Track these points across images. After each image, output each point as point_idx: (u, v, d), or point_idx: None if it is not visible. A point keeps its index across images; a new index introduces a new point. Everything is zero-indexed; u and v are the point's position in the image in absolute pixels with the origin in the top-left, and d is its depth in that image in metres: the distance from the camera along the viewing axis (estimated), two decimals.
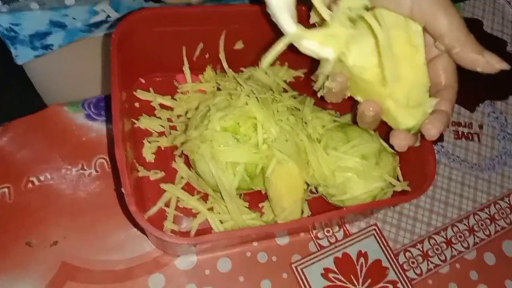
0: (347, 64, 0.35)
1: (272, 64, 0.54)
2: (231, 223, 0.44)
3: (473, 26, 0.69)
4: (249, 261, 0.46)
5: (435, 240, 0.51)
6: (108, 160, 0.47)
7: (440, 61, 0.37)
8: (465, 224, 0.53)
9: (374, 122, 0.38)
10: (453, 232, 0.52)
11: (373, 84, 0.35)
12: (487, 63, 0.34)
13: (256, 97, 0.44)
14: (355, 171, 0.43)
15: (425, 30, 0.35)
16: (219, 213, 0.45)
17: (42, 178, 0.45)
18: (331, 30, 0.34)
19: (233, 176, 0.43)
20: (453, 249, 0.51)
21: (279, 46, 0.35)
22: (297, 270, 0.46)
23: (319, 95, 0.39)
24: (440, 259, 0.50)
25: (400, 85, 0.35)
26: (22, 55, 0.56)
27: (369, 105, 0.36)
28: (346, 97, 0.38)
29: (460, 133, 0.59)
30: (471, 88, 0.60)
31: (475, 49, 0.34)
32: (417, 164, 0.45)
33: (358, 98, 0.37)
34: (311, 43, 0.34)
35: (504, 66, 0.33)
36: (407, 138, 0.36)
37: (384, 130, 0.41)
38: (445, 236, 0.52)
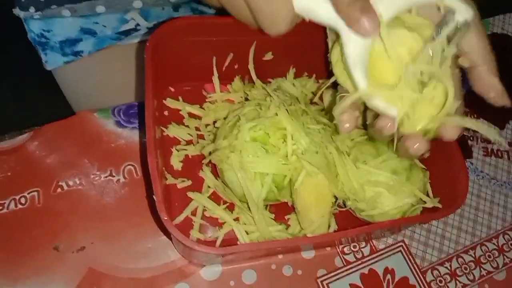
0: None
1: (300, 75, 0.54)
2: (257, 234, 0.44)
3: (503, 41, 0.68)
4: (274, 274, 0.45)
5: (463, 259, 0.50)
6: (136, 167, 0.47)
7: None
8: (494, 244, 0.52)
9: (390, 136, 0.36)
10: (482, 251, 0.51)
11: (398, 87, 0.34)
12: (501, 91, 0.34)
13: (286, 108, 0.44)
14: (386, 186, 0.42)
15: None
16: (245, 224, 0.44)
17: (71, 183, 0.46)
18: (398, 91, 0.33)
19: (261, 186, 0.42)
20: (481, 269, 0.50)
21: (349, 101, 0.34)
22: (322, 285, 0.45)
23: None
24: (468, 279, 0.49)
25: (430, 88, 0.34)
26: (52, 61, 0.57)
27: (386, 122, 0.34)
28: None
29: (489, 150, 0.58)
30: (501, 105, 0.59)
31: (496, 73, 0.34)
32: (447, 181, 0.45)
33: (374, 103, 0.35)
34: (378, 101, 0.34)
35: (508, 103, 0.34)
36: (423, 142, 0.34)
37: None
38: (473, 255, 0.51)
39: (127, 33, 0.58)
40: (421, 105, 0.34)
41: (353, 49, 0.33)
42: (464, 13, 0.33)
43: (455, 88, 0.34)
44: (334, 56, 0.36)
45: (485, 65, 0.34)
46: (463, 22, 0.33)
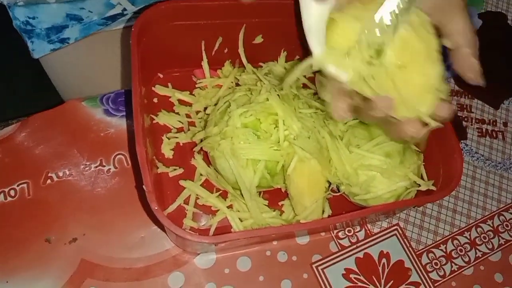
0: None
1: (292, 59, 0.53)
2: (251, 221, 0.43)
3: (497, 19, 0.67)
4: (269, 261, 0.45)
5: (459, 241, 0.50)
6: (126, 156, 0.46)
7: None
8: (489, 225, 0.52)
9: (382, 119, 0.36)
10: (477, 233, 0.51)
11: (387, 72, 0.34)
12: (479, 72, 0.35)
13: (277, 93, 0.43)
14: (379, 170, 0.42)
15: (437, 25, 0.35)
16: (239, 211, 0.44)
17: (61, 174, 0.45)
18: (350, 61, 0.34)
19: (254, 173, 0.42)
20: (477, 251, 0.50)
21: (302, 67, 0.35)
22: (317, 270, 0.45)
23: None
24: (464, 261, 0.49)
25: (417, 71, 0.34)
26: (38, 49, 0.56)
27: (382, 100, 0.34)
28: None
29: (484, 130, 0.58)
30: (495, 85, 0.59)
31: (476, 56, 0.36)
32: (442, 163, 0.44)
33: (366, 89, 0.35)
34: (331, 67, 0.35)
35: (482, 83, 0.35)
36: (419, 126, 0.35)
37: None
38: (469, 237, 0.50)
39: (113, 18, 0.56)
40: (402, 86, 0.34)
41: (309, 15, 0.34)
42: None
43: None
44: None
45: (468, 47, 0.35)
46: None
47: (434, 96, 0.34)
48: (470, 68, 0.36)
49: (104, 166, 0.46)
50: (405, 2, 0.33)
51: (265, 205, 0.45)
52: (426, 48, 0.34)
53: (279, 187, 0.45)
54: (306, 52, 0.41)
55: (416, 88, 0.34)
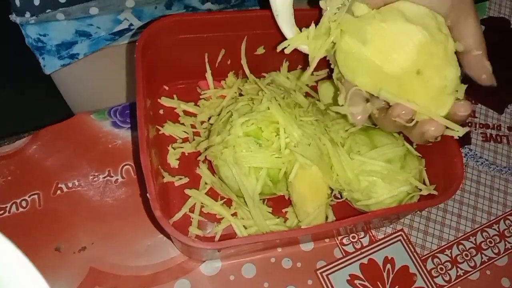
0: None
1: (294, 68, 0.54)
2: (255, 228, 0.44)
3: (500, 25, 0.68)
4: (274, 267, 0.45)
5: (464, 246, 0.50)
6: (133, 166, 0.48)
7: None
8: (495, 229, 0.52)
9: (402, 125, 0.37)
10: (483, 237, 0.51)
11: (405, 77, 0.36)
12: (491, 73, 0.36)
13: (278, 102, 0.44)
14: (380, 175, 0.42)
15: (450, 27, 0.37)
16: (243, 219, 0.45)
17: (70, 184, 0.46)
18: (314, 41, 0.40)
19: (256, 181, 0.43)
20: (483, 255, 0.50)
21: (289, 48, 0.42)
22: (322, 276, 0.46)
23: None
24: (469, 265, 0.49)
25: (434, 74, 0.36)
26: (49, 65, 0.58)
27: (402, 109, 0.36)
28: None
29: (488, 135, 0.58)
30: (500, 89, 0.59)
31: (487, 57, 0.36)
32: (443, 168, 0.44)
33: (385, 95, 0.37)
34: (304, 46, 0.40)
35: (494, 83, 0.37)
36: (440, 125, 0.36)
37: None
38: (474, 242, 0.50)
39: (121, 33, 0.58)
40: (420, 90, 0.36)
41: None
42: None
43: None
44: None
45: (480, 50, 0.36)
46: None
47: (453, 97, 0.35)
48: (483, 69, 0.36)
49: (112, 176, 0.47)
50: None
51: (269, 212, 0.46)
52: (443, 50, 0.35)
53: (282, 194, 0.46)
54: (307, 60, 0.43)
55: (434, 91, 0.36)
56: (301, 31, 0.42)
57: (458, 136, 0.37)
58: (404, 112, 0.35)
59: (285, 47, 0.42)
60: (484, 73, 0.36)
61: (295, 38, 0.40)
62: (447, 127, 0.36)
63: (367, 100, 0.38)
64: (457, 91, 0.36)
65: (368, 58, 0.37)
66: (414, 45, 0.35)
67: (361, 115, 0.37)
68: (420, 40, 0.35)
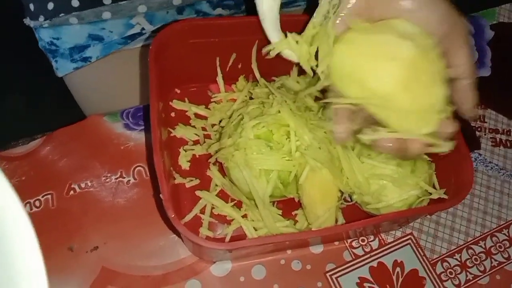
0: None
1: (304, 73, 0.55)
2: (265, 230, 0.44)
3: (510, 30, 0.68)
4: (284, 269, 0.46)
5: (474, 250, 0.50)
6: (145, 168, 0.48)
7: None
8: (505, 234, 0.52)
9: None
10: (492, 242, 0.51)
11: (392, 92, 0.36)
12: (474, 106, 0.37)
13: (289, 105, 0.44)
14: (390, 179, 0.43)
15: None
16: (253, 221, 0.45)
17: (83, 185, 0.47)
18: (299, 46, 0.40)
19: (267, 183, 0.43)
20: (492, 260, 0.50)
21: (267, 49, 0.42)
22: (331, 279, 0.46)
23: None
24: (479, 270, 0.49)
25: (422, 91, 0.36)
26: (62, 67, 0.59)
27: (389, 141, 0.36)
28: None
29: (498, 140, 0.58)
30: (509, 95, 0.59)
31: (475, 88, 0.37)
32: (453, 172, 0.45)
33: (370, 108, 0.37)
34: (287, 51, 0.41)
35: (475, 115, 0.38)
36: (422, 144, 0.36)
37: None
38: (484, 246, 0.50)
39: (133, 37, 0.59)
40: (407, 105, 0.36)
41: (261, 2, 0.38)
42: None
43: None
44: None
45: (469, 79, 0.36)
46: None
47: (439, 116, 0.35)
48: (468, 100, 0.37)
49: (124, 177, 0.48)
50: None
51: (279, 214, 0.46)
52: (433, 69, 0.35)
53: (293, 197, 0.47)
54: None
55: (421, 107, 0.36)
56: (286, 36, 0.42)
57: (465, 143, 0.38)
58: (390, 144, 0.36)
59: (270, 51, 0.42)
60: (467, 104, 0.37)
61: (279, 43, 0.40)
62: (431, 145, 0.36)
63: (352, 118, 0.38)
64: (443, 110, 0.36)
65: (356, 68, 0.37)
66: (403, 59, 0.35)
67: (343, 134, 0.37)
68: (409, 55, 0.35)
